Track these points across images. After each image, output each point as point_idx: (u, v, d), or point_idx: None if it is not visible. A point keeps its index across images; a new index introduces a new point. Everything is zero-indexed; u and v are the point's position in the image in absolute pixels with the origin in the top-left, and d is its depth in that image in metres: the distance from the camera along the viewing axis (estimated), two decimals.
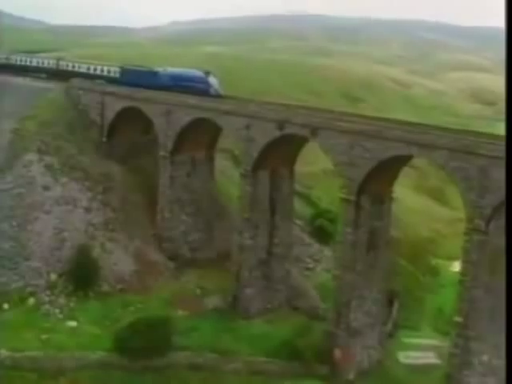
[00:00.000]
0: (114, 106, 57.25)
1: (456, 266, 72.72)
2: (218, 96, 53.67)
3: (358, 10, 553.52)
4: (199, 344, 44.51)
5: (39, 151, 54.44)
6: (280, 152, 48.92)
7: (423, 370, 48.16)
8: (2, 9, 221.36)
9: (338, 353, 45.10)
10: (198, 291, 51.50)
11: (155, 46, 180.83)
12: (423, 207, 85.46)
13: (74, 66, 67.86)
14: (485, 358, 42.16)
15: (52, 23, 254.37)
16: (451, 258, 74.21)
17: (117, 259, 51.51)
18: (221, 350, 44.07)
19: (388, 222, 46.89)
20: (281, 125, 46.07)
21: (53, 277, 48.93)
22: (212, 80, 55.72)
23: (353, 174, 43.28)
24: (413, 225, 78.82)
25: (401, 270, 66.22)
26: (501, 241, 40.56)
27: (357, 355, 46.29)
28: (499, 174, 37.70)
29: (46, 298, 47.52)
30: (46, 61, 72.54)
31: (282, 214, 51.20)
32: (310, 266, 58.56)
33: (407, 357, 50.05)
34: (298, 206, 70.98)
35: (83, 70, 66.09)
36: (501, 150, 37.84)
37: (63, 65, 69.48)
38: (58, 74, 68.08)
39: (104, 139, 58.12)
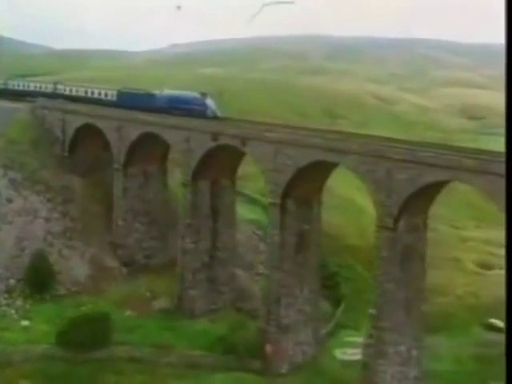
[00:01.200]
0: (74, 123, 61.50)
1: None
2: (215, 118, 54.22)
3: (362, 29, 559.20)
4: (141, 340, 48.00)
5: (4, 167, 58.67)
6: (219, 163, 52.65)
7: (356, 364, 50.89)
8: (5, 34, 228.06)
9: (269, 348, 48.21)
10: (148, 294, 55.04)
11: (152, 68, 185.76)
12: None
13: (71, 90, 68.46)
14: (402, 348, 45.14)
15: (56, 48, 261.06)
16: None
17: (73, 265, 55.40)
18: (160, 345, 47.43)
19: (317, 226, 50.18)
20: (215, 136, 49.91)
21: (12, 282, 52.81)
22: (209, 102, 55.70)
23: (277, 179, 46.89)
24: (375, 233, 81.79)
25: (355, 275, 69.48)
26: (410, 238, 43.94)
27: (289, 350, 49.36)
28: (403, 176, 41.17)
29: (4, 301, 51.31)
30: (44, 85, 72.65)
31: (224, 220, 54.78)
32: (261, 271, 61.67)
33: (343, 353, 52.91)
34: (263, 217, 74.66)
35: (81, 93, 66.96)
36: (406, 153, 41.41)
37: (61, 89, 69.79)
38: (55, 98, 68.24)
39: (66, 154, 62.23)
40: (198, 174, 52.41)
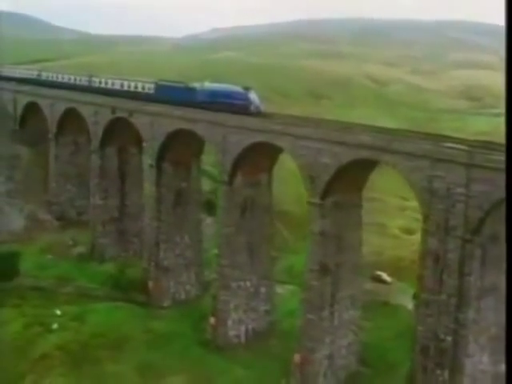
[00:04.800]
0: (22, 101, 73.28)
1: None
2: (258, 113, 51.90)
3: (395, 12, 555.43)
4: (49, 274, 59.21)
5: None
6: (123, 132, 62.84)
7: None
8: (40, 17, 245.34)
9: (150, 284, 58.35)
10: (70, 242, 66.18)
11: (170, 53, 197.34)
12: None
13: (106, 83, 66.41)
14: (247, 284, 54.39)
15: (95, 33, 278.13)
16: None
17: (12, 219, 67.17)
18: (62, 278, 58.47)
19: (196, 185, 59.73)
20: (113, 110, 60.32)
21: None
22: (252, 96, 52.85)
23: (153, 144, 56.86)
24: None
25: (277, 236, 78.44)
26: (250, 192, 52.95)
27: (171, 288, 59.22)
28: (236, 138, 50.14)
29: None
30: (78, 78, 71.09)
31: (132, 182, 65.31)
32: None
33: None
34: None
35: (117, 86, 64.70)
36: (237, 121, 50.15)
37: (95, 81, 67.95)
38: (90, 92, 66.88)
39: (17, 128, 74.05)
40: (105, 142, 62.98)
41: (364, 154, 42.43)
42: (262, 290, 55.35)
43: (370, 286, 68.04)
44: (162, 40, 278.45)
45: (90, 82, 68.53)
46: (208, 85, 56.87)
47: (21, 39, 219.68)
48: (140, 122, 57.81)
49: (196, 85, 57.02)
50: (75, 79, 71.14)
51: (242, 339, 54.22)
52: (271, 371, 49.30)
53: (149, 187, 57.94)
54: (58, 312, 53.60)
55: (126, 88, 63.46)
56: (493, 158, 36.61)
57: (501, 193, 35.98)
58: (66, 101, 66.92)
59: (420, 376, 40.77)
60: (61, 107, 67.28)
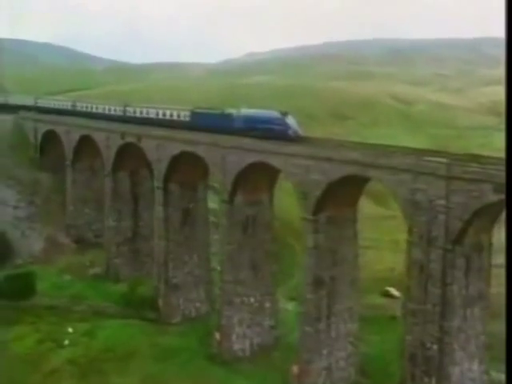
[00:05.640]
0: (42, 130, 77.00)
1: None
2: (297, 138, 50.71)
3: (430, 30, 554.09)
4: (67, 295, 61.91)
5: None
6: (134, 156, 65.51)
7: None
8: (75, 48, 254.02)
9: (160, 302, 60.43)
10: (88, 263, 68.89)
11: (198, 78, 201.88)
12: None
13: (141, 112, 66.29)
14: (251, 300, 55.99)
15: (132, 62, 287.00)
16: None
17: (32, 242, 70.29)
18: (78, 298, 61.09)
19: (203, 205, 61.86)
20: (122, 135, 63.13)
21: None
22: (290, 121, 51.78)
23: (159, 167, 59.35)
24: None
25: (290, 253, 79.85)
26: (252, 211, 54.79)
27: (181, 306, 61.16)
28: (233, 158, 52.21)
29: None
30: (113, 107, 70.98)
31: (144, 203, 67.82)
32: None
33: None
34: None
35: (152, 115, 64.42)
36: (234, 141, 52.19)
37: (130, 111, 67.89)
38: (125, 121, 66.83)
39: (37, 155, 77.69)
40: (117, 165, 65.82)
41: (351, 169, 43.92)
42: (267, 305, 56.82)
43: (379, 301, 69.30)
44: (197, 66, 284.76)
45: (124, 111, 68.82)
46: (244, 111, 56.02)
47: (57, 69, 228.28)
48: (146, 145, 60.45)
49: (232, 111, 56.37)
50: (110, 109, 71.48)
51: (247, 353, 55.68)
52: (272, 381, 50.77)
53: (157, 208, 60.16)
54: (70, 329, 56.00)
55: (161, 116, 63.38)
56: (470, 169, 37.82)
57: (478, 203, 37.31)
58: (80, 128, 70.14)
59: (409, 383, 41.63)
60: (76, 134, 70.55)
